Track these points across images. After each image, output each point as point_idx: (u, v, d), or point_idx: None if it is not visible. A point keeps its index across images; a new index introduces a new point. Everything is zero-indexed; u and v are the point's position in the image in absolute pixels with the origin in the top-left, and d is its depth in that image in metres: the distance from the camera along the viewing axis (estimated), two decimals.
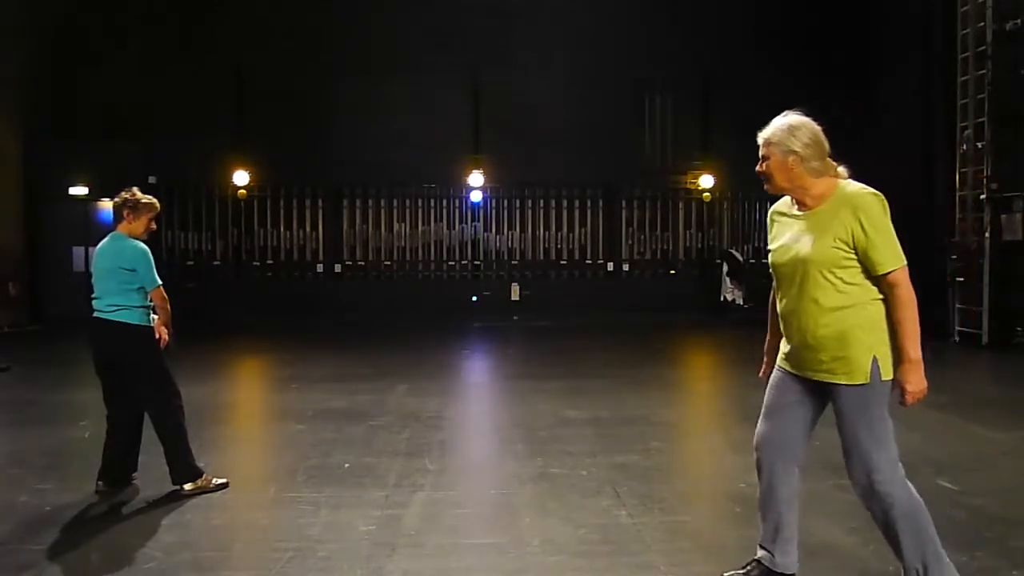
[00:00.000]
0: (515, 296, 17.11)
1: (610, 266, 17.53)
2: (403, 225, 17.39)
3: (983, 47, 11.70)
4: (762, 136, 3.18)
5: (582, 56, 16.58)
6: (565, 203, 17.52)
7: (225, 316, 15.22)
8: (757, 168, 3.21)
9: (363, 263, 17.29)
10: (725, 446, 6.12)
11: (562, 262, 17.52)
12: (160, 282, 4.90)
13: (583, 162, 16.74)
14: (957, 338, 12.11)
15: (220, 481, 4.96)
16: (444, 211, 17.44)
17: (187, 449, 4.91)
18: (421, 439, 6.25)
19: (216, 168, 16.19)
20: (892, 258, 3.00)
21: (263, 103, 16.26)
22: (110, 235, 5.01)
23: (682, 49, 16.53)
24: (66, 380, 8.99)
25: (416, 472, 5.33)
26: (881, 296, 3.04)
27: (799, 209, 3.18)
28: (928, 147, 14.77)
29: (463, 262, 17.43)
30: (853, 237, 3.00)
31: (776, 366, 3.32)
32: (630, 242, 17.69)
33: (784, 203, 3.28)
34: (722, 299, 16.39)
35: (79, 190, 15.29)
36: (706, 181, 16.88)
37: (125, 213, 4.95)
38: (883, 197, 3.06)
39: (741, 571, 3.42)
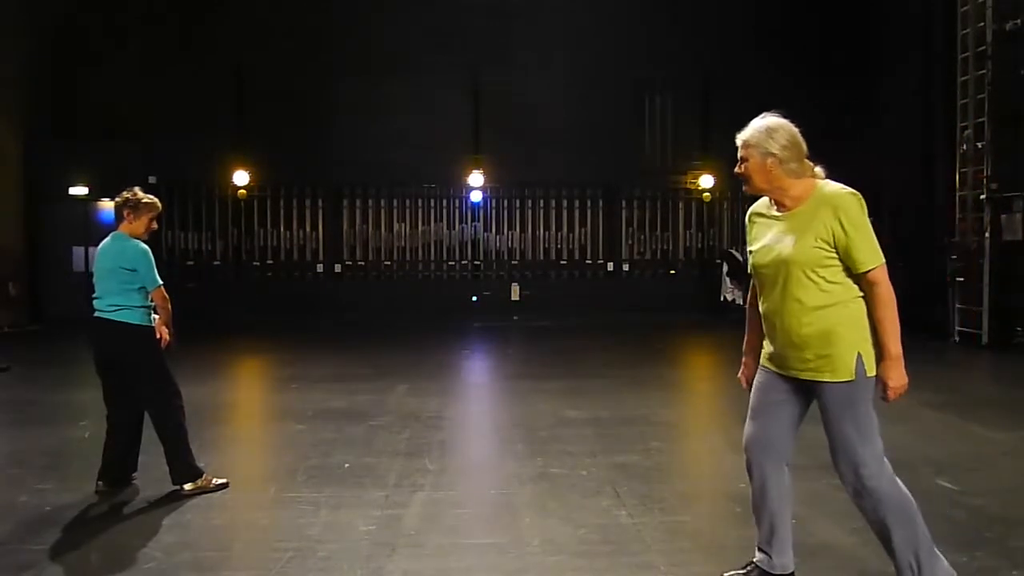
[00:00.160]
0: (515, 296, 17.11)
1: (610, 266, 17.53)
2: (403, 225, 17.39)
3: (983, 47, 11.70)
4: (740, 138, 3.22)
5: (582, 56, 16.58)
6: (565, 203, 17.52)
7: (225, 316, 15.23)
8: (736, 170, 3.25)
9: (363, 263, 17.29)
10: (725, 446, 6.11)
11: (562, 262, 17.52)
12: (161, 282, 4.90)
13: (583, 162, 16.74)
14: (957, 338, 12.11)
15: (220, 481, 4.96)
16: (444, 211, 17.44)
17: (187, 449, 4.91)
18: (421, 439, 6.25)
19: (216, 168, 16.19)
20: (872, 256, 3.04)
21: (263, 103, 16.26)
22: (111, 235, 5.02)
23: (682, 49, 16.53)
24: (66, 380, 8.98)
25: (416, 472, 5.33)
26: (862, 294, 3.08)
27: (778, 210, 3.21)
28: (928, 147, 14.77)
29: (463, 262, 17.43)
30: (834, 236, 3.04)
31: (760, 366, 3.35)
32: (630, 242, 17.69)
33: (762, 204, 3.31)
34: (722, 299, 16.39)
35: (79, 190, 15.28)
36: (706, 181, 16.87)
37: (126, 213, 4.95)
38: (861, 196, 3.09)
39: (741, 571, 3.43)
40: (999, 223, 11.61)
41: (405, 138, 16.05)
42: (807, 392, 3.18)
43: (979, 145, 11.81)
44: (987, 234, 11.62)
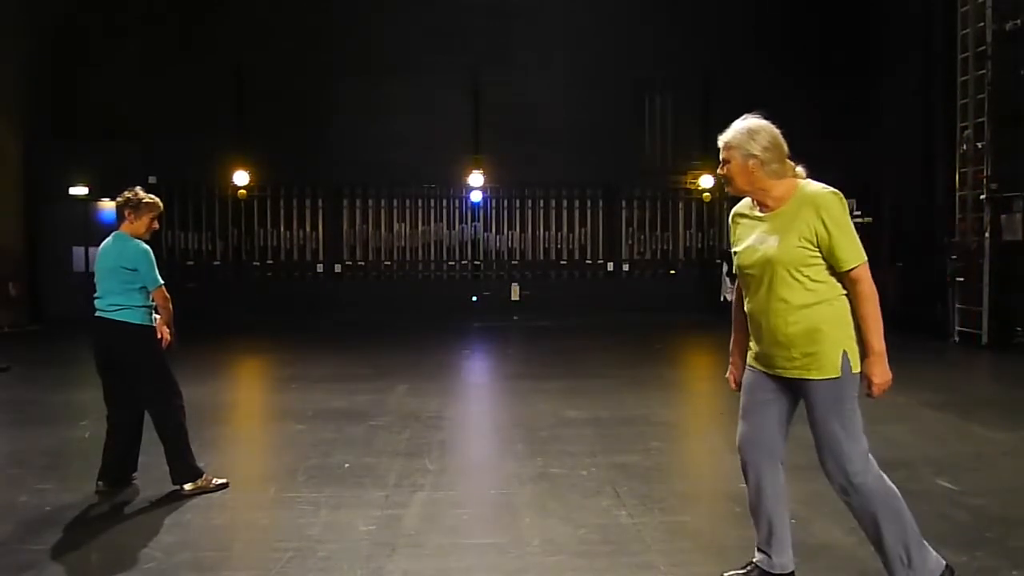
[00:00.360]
0: (515, 296, 17.12)
1: (610, 266, 17.54)
2: (403, 225, 17.40)
3: (983, 47, 11.70)
4: (722, 140, 3.23)
5: (582, 56, 16.59)
6: (565, 203, 17.53)
7: (225, 316, 15.23)
8: (718, 171, 3.28)
9: (363, 263, 17.30)
10: (725, 446, 6.10)
11: (562, 262, 17.53)
12: (162, 282, 4.90)
13: (583, 162, 16.75)
14: (957, 338, 12.11)
15: (220, 481, 4.96)
16: (444, 211, 17.45)
17: (187, 449, 4.91)
18: (421, 439, 6.25)
19: (216, 168, 16.20)
20: (854, 255, 3.07)
21: (263, 103, 16.27)
22: (112, 235, 5.01)
23: (682, 49, 16.53)
24: (66, 380, 8.98)
25: (416, 472, 5.33)
26: (846, 292, 3.12)
27: (761, 210, 3.24)
28: (928, 147, 14.78)
29: (463, 262, 17.44)
30: (817, 236, 3.07)
31: (747, 366, 3.37)
32: (630, 242, 17.70)
33: (745, 205, 3.34)
34: (722, 299, 16.37)
35: (79, 190, 15.29)
36: (706, 181, 16.87)
37: (127, 213, 4.95)
38: (842, 195, 3.13)
39: (741, 571, 3.43)
40: (999, 223, 11.61)
41: (405, 138, 16.06)
42: (794, 391, 3.20)
43: (979, 145, 11.80)
44: (987, 234, 11.61)
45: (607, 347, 12.55)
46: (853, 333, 3.10)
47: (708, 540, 4.14)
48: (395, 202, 17.35)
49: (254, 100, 16.40)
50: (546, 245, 17.56)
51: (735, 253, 3.29)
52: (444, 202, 17.44)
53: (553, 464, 5.50)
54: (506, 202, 17.47)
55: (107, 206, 14.51)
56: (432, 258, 17.45)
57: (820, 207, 3.07)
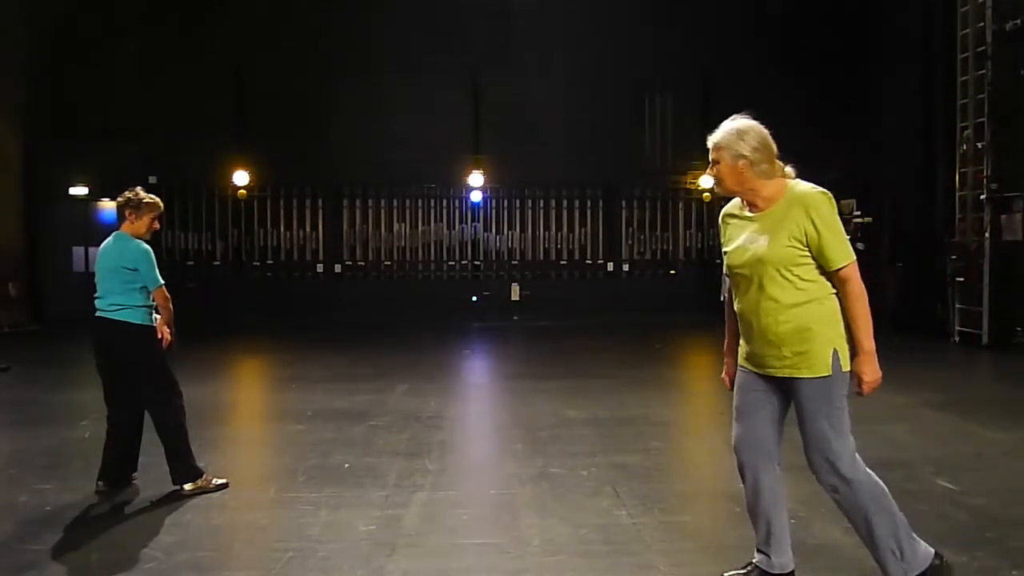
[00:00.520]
0: (515, 296, 17.12)
1: (610, 266, 17.53)
2: (403, 225, 17.40)
3: (983, 47, 11.69)
4: (711, 140, 3.25)
5: (582, 56, 16.58)
6: (565, 203, 17.53)
7: (225, 316, 15.22)
8: (707, 171, 3.32)
9: (363, 263, 17.30)
10: (725, 446, 6.07)
11: (562, 262, 17.53)
12: (163, 282, 4.90)
13: (583, 162, 16.74)
14: (957, 338, 12.11)
15: (220, 481, 4.96)
16: (444, 211, 17.45)
17: (187, 449, 4.92)
18: (421, 439, 6.25)
19: (216, 168, 16.19)
20: (844, 254, 3.09)
21: (263, 103, 16.26)
22: (113, 235, 5.02)
23: (682, 49, 16.52)
24: (66, 380, 8.98)
25: (416, 472, 5.33)
26: (835, 291, 3.14)
27: (750, 210, 3.25)
28: (928, 147, 14.77)
29: (463, 262, 17.44)
30: (806, 235, 3.09)
31: (739, 367, 3.38)
32: (630, 242, 17.70)
33: (735, 205, 3.35)
34: (722, 299, 16.35)
35: (79, 190, 15.29)
36: (706, 181, 16.86)
37: (127, 213, 4.95)
38: (831, 195, 3.15)
39: (741, 572, 3.44)
40: (999, 223, 11.60)
41: (405, 138, 16.04)
42: (784, 390, 3.21)
43: (979, 145, 11.80)
44: (987, 234, 11.61)
45: (607, 347, 12.55)
46: (843, 332, 3.12)
47: (708, 540, 4.14)
48: (395, 202, 17.35)
49: (254, 100, 16.40)
50: (546, 245, 17.56)
51: (725, 253, 3.30)
52: (444, 202, 17.44)
53: (553, 464, 5.50)
54: (506, 202, 17.47)
55: (107, 206, 14.51)
56: (432, 258, 17.45)
57: (809, 206, 3.09)
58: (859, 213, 15.35)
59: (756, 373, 3.27)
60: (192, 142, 15.42)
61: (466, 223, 17.44)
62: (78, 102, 15.63)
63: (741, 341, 3.33)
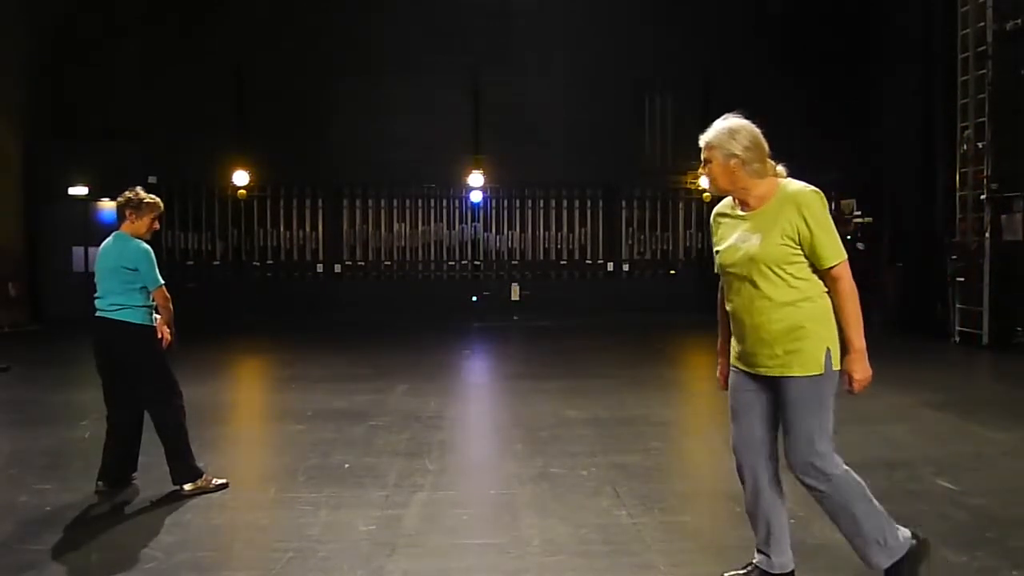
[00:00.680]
0: (515, 296, 17.12)
1: (610, 266, 17.53)
2: (403, 225, 17.40)
3: (983, 47, 11.69)
4: (703, 140, 3.27)
5: (582, 56, 16.57)
6: (565, 203, 17.53)
7: (225, 316, 15.22)
8: (699, 171, 3.34)
9: (363, 263, 17.30)
10: (725, 446, 6.06)
11: (562, 262, 17.52)
12: (163, 282, 4.90)
13: (583, 162, 16.74)
14: (957, 338, 12.11)
15: (220, 481, 4.96)
16: (444, 211, 17.45)
17: (187, 449, 4.92)
18: (421, 439, 6.25)
19: (216, 168, 16.19)
20: (835, 253, 3.11)
21: (263, 103, 16.26)
22: (113, 235, 5.01)
23: (682, 49, 16.52)
24: (66, 380, 8.98)
25: (416, 472, 5.33)
26: (827, 290, 3.15)
27: (742, 209, 3.26)
28: (928, 147, 14.77)
29: (463, 262, 17.44)
30: (799, 233, 3.10)
31: (731, 367, 3.39)
32: (630, 242, 17.70)
33: (726, 204, 3.36)
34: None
35: (79, 190, 15.29)
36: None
37: (128, 212, 4.95)
38: (823, 194, 3.16)
39: (741, 572, 3.44)
40: (999, 223, 11.60)
41: (405, 138, 16.04)
42: (775, 389, 3.21)
43: (979, 145, 11.80)
44: (987, 234, 11.61)
45: (607, 347, 12.55)
46: (836, 331, 3.13)
47: (708, 540, 4.14)
48: (395, 202, 17.35)
49: (254, 100, 16.39)
50: (546, 245, 17.56)
51: (717, 252, 3.31)
52: (444, 202, 17.44)
53: (553, 464, 5.50)
54: (506, 202, 17.47)
55: (107, 206, 14.50)
56: (432, 258, 17.45)
57: (802, 205, 3.10)
58: (859, 213, 15.35)
59: (747, 373, 3.27)
60: (192, 142, 15.41)
61: (466, 223, 17.44)
62: (78, 102, 15.62)
63: (733, 341, 3.34)
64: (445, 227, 17.43)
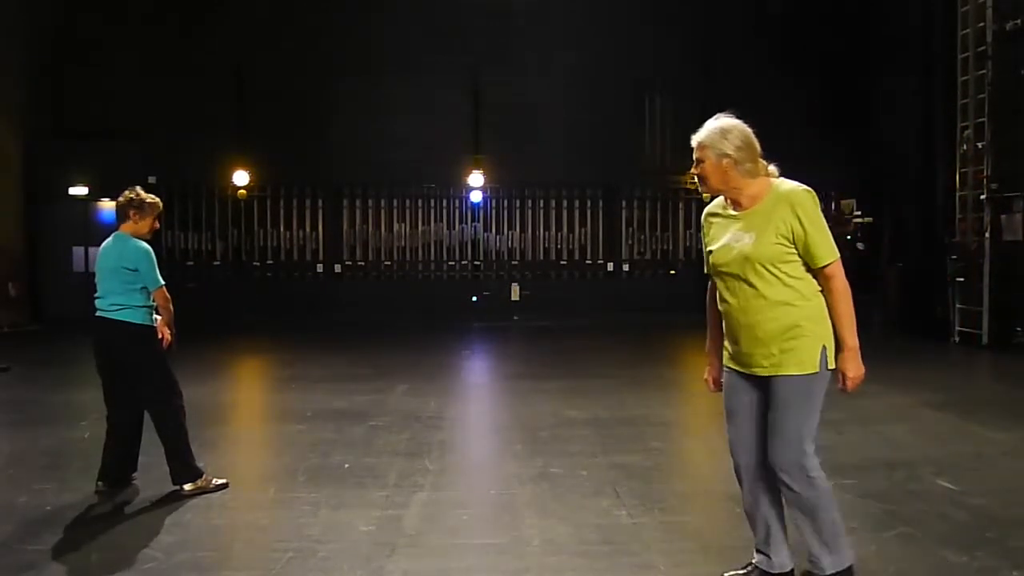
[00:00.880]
0: (515, 296, 17.11)
1: (610, 266, 17.53)
2: (403, 225, 17.39)
3: (983, 47, 11.69)
4: (695, 140, 3.29)
5: (582, 56, 16.56)
6: (565, 203, 17.52)
7: (225, 316, 15.22)
8: (692, 170, 3.32)
9: (363, 263, 17.29)
10: (725, 446, 6.06)
11: (562, 262, 17.52)
12: (163, 282, 4.90)
13: (583, 162, 16.73)
14: (957, 338, 12.10)
15: (220, 481, 4.96)
16: (444, 211, 17.44)
17: (187, 449, 4.92)
18: (421, 439, 6.25)
19: (216, 168, 16.19)
20: (829, 251, 3.12)
21: (263, 103, 16.26)
22: (113, 235, 5.00)
23: (682, 49, 16.53)
24: (66, 380, 8.98)
25: (416, 472, 5.33)
26: (821, 289, 3.16)
27: (734, 209, 3.26)
28: (928, 147, 14.78)
29: (463, 262, 17.44)
30: (793, 232, 3.11)
31: (723, 367, 3.39)
32: (630, 242, 17.69)
33: (718, 204, 3.37)
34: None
35: (79, 190, 15.28)
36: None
37: (132, 213, 4.94)
38: (815, 193, 3.17)
39: (741, 572, 3.44)
40: (999, 223, 11.60)
41: (405, 138, 16.03)
42: (769, 388, 3.21)
43: (979, 145, 11.80)
44: (987, 234, 11.61)
45: (607, 347, 12.55)
46: (831, 329, 3.14)
47: (708, 540, 4.14)
48: (395, 202, 17.35)
49: (254, 100, 16.39)
50: (546, 245, 17.55)
51: (709, 252, 3.31)
52: (444, 202, 17.43)
53: (553, 464, 5.50)
54: (506, 202, 17.46)
55: (107, 206, 14.50)
56: (432, 258, 17.45)
57: (795, 204, 3.11)
58: (859, 213, 15.36)
59: (741, 373, 3.27)
60: (192, 142, 15.41)
61: (466, 223, 17.44)
62: (78, 102, 15.62)
63: (726, 342, 3.34)
64: (445, 227, 17.43)
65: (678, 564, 3.78)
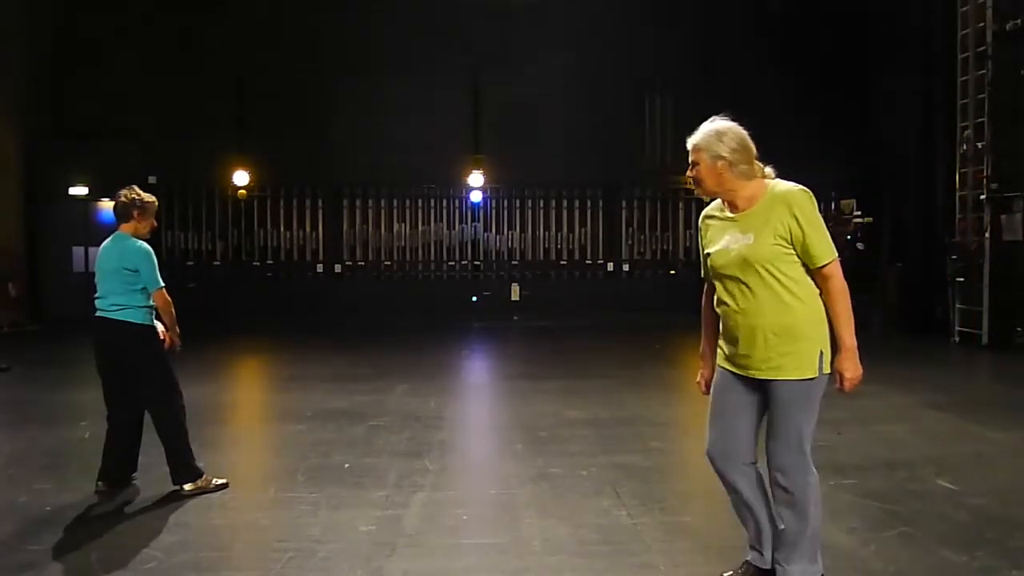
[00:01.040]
0: (515, 296, 17.12)
1: (610, 266, 17.53)
2: (403, 225, 17.40)
3: (983, 47, 11.70)
4: (691, 142, 3.28)
5: (582, 56, 16.57)
6: (565, 203, 17.53)
7: (225, 316, 15.22)
8: (687, 173, 3.31)
9: (363, 263, 17.30)
10: None
11: (562, 262, 17.53)
12: (163, 284, 4.88)
13: (583, 162, 16.74)
14: (957, 338, 12.11)
15: (220, 481, 4.96)
16: (444, 211, 17.45)
17: (187, 449, 4.91)
18: (421, 439, 6.25)
19: (216, 168, 16.19)
20: (827, 251, 3.11)
21: (263, 103, 16.26)
22: (113, 235, 4.99)
23: (682, 49, 16.53)
24: (66, 380, 8.97)
25: (416, 472, 5.33)
26: (819, 291, 3.15)
27: (731, 211, 3.26)
28: (928, 147, 14.77)
29: (463, 262, 17.44)
30: (791, 233, 3.10)
31: (718, 367, 3.37)
32: (630, 242, 17.70)
33: (715, 207, 3.36)
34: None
35: (79, 190, 15.28)
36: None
37: (135, 213, 4.93)
38: (811, 193, 3.16)
39: (738, 570, 3.45)
40: (999, 223, 11.60)
41: (405, 138, 16.04)
42: (765, 391, 3.21)
43: (979, 145, 11.80)
44: (987, 234, 11.61)
45: (607, 347, 12.55)
46: (828, 333, 3.14)
47: (708, 540, 4.14)
48: (395, 202, 17.35)
49: (254, 100, 16.40)
50: (546, 245, 17.56)
51: (707, 255, 3.30)
52: (444, 202, 17.44)
53: (553, 464, 5.50)
54: (506, 202, 17.47)
55: (107, 206, 14.47)
56: (432, 258, 17.45)
57: (792, 204, 3.10)
58: (859, 213, 15.35)
59: (736, 375, 3.26)
60: (192, 142, 15.42)
61: (466, 223, 17.45)
62: (78, 102, 15.63)
63: (722, 343, 3.32)
64: (445, 227, 17.43)
65: (678, 564, 3.78)
